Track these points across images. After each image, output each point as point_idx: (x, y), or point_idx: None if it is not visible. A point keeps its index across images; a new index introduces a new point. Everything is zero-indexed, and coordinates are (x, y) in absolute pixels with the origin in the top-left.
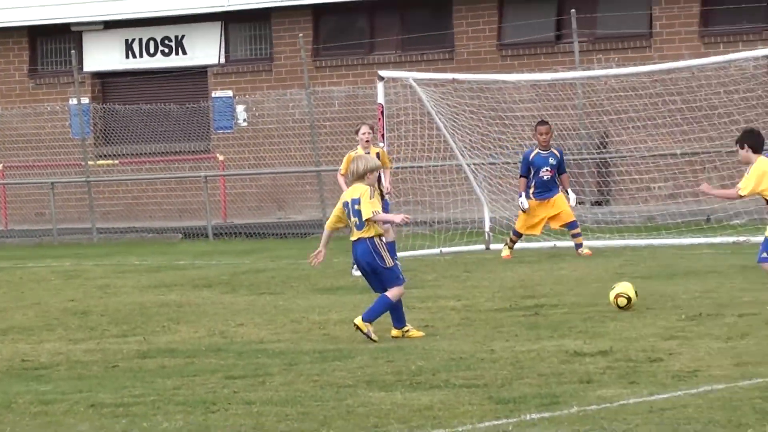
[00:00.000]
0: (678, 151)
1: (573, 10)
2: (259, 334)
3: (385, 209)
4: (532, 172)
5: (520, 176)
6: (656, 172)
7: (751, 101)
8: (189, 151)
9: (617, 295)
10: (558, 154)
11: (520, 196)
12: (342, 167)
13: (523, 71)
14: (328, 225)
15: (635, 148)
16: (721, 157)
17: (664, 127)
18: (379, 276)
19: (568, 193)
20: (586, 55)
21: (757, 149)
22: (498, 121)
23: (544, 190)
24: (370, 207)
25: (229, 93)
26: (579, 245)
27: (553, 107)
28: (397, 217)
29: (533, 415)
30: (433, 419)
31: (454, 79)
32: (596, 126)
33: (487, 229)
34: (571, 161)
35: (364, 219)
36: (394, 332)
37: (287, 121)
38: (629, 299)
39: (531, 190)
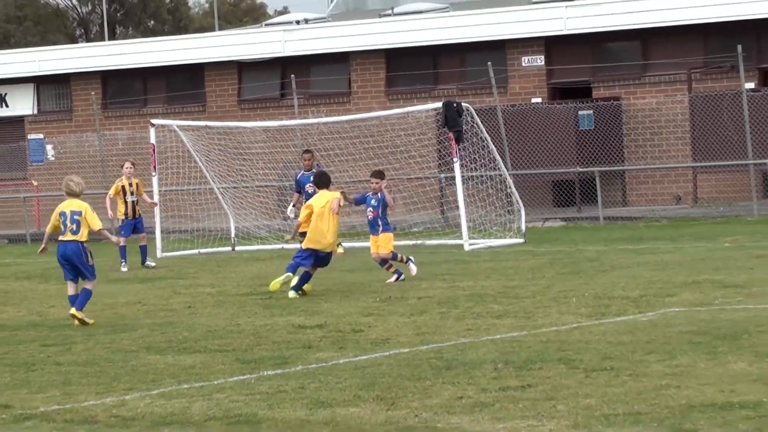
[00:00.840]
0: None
1: (293, 75)
2: (66, 313)
3: (139, 225)
4: (302, 188)
5: (295, 191)
6: (356, 193)
7: (423, 141)
8: (11, 179)
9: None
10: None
11: (290, 206)
12: (111, 191)
13: (256, 120)
14: (48, 229)
15: (340, 176)
16: (403, 183)
17: (360, 160)
18: (79, 269)
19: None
20: (303, 108)
21: (319, 186)
22: (239, 157)
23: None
24: (98, 222)
25: (41, 136)
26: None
27: (280, 146)
28: (114, 238)
29: (269, 372)
30: (196, 375)
31: (206, 125)
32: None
33: (232, 235)
34: (290, 187)
35: (97, 230)
36: (74, 311)
37: (84, 156)
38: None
39: (303, 200)
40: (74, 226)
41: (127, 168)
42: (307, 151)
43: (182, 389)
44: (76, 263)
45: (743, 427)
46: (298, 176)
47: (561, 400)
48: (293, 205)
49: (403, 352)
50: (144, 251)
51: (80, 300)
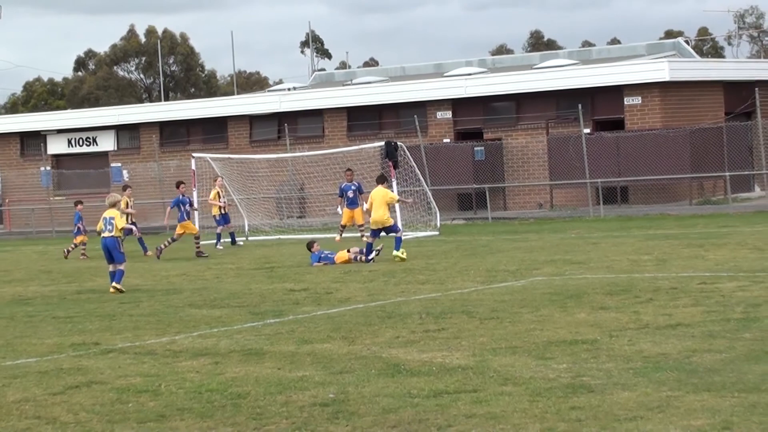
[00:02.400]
0: (338, 192)
1: (286, 124)
2: (136, 282)
3: (228, 218)
4: (344, 194)
5: (339, 196)
6: (328, 202)
7: (372, 167)
8: (99, 192)
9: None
10: (357, 184)
11: (338, 207)
12: (211, 196)
13: (261, 153)
14: (98, 228)
15: (317, 190)
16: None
17: (331, 180)
18: (113, 256)
19: (363, 205)
20: (293, 146)
21: (378, 182)
22: (250, 179)
23: (350, 203)
24: (123, 222)
25: (119, 164)
26: (363, 234)
27: (277, 171)
28: (136, 232)
29: (271, 320)
30: (222, 323)
31: (229, 157)
32: (299, 180)
33: (246, 230)
34: (284, 198)
35: (120, 228)
36: (115, 284)
37: (148, 177)
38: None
39: (345, 202)
40: (110, 227)
41: (219, 181)
42: (348, 170)
43: (213, 332)
44: (111, 251)
45: (584, 356)
46: (342, 186)
47: (464, 339)
48: (339, 206)
49: (359, 306)
50: (233, 235)
51: (117, 277)
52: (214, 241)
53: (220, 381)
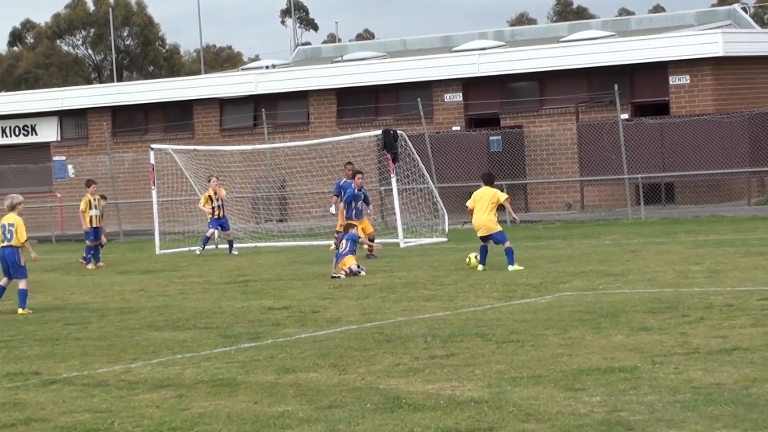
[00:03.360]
0: (325, 190)
1: (263, 109)
2: (84, 299)
3: (225, 224)
4: (349, 198)
5: (334, 194)
6: (314, 202)
7: (367, 161)
8: (40, 192)
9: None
10: (364, 193)
11: (331, 206)
12: (201, 200)
13: (234, 144)
14: None
15: (301, 188)
16: None
17: (317, 176)
18: (11, 270)
19: (372, 209)
20: (271, 135)
21: (486, 183)
22: (221, 174)
23: (356, 215)
24: (24, 235)
25: (63, 157)
26: (372, 243)
27: (253, 165)
28: (33, 254)
29: (245, 345)
30: (187, 347)
31: (195, 149)
32: (278, 176)
33: (216, 236)
34: (261, 197)
35: (22, 241)
36: (20, 311)
37: (98, 173)
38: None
39: (347, 212)
40: (9, 235)
41: (213, 182)
42: (349, 163)
43: (176, 359)
44: (9, 264)
45: (621, 387)
46: (342, 182)
47: (478, 366)
48: (334, 205)
49: (352, 328)
50: (231, 244)
51: (21, 300)
52: (226, 246)
53: (184, 418)
